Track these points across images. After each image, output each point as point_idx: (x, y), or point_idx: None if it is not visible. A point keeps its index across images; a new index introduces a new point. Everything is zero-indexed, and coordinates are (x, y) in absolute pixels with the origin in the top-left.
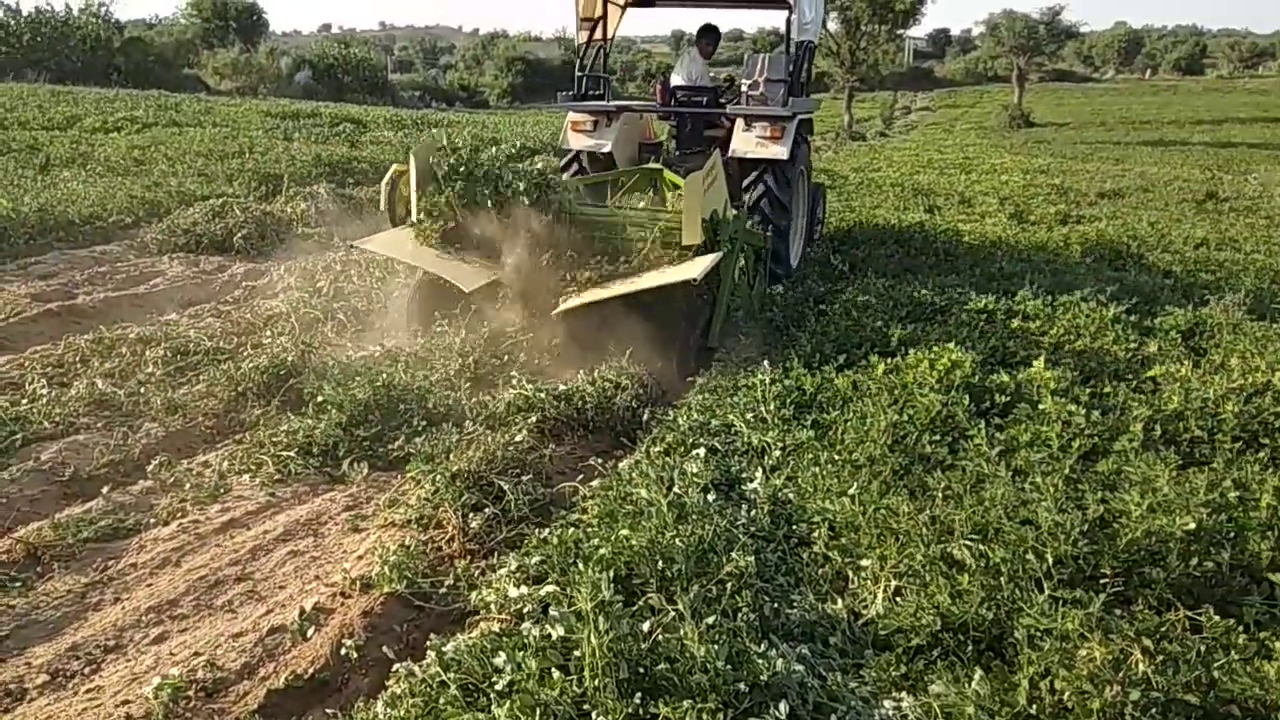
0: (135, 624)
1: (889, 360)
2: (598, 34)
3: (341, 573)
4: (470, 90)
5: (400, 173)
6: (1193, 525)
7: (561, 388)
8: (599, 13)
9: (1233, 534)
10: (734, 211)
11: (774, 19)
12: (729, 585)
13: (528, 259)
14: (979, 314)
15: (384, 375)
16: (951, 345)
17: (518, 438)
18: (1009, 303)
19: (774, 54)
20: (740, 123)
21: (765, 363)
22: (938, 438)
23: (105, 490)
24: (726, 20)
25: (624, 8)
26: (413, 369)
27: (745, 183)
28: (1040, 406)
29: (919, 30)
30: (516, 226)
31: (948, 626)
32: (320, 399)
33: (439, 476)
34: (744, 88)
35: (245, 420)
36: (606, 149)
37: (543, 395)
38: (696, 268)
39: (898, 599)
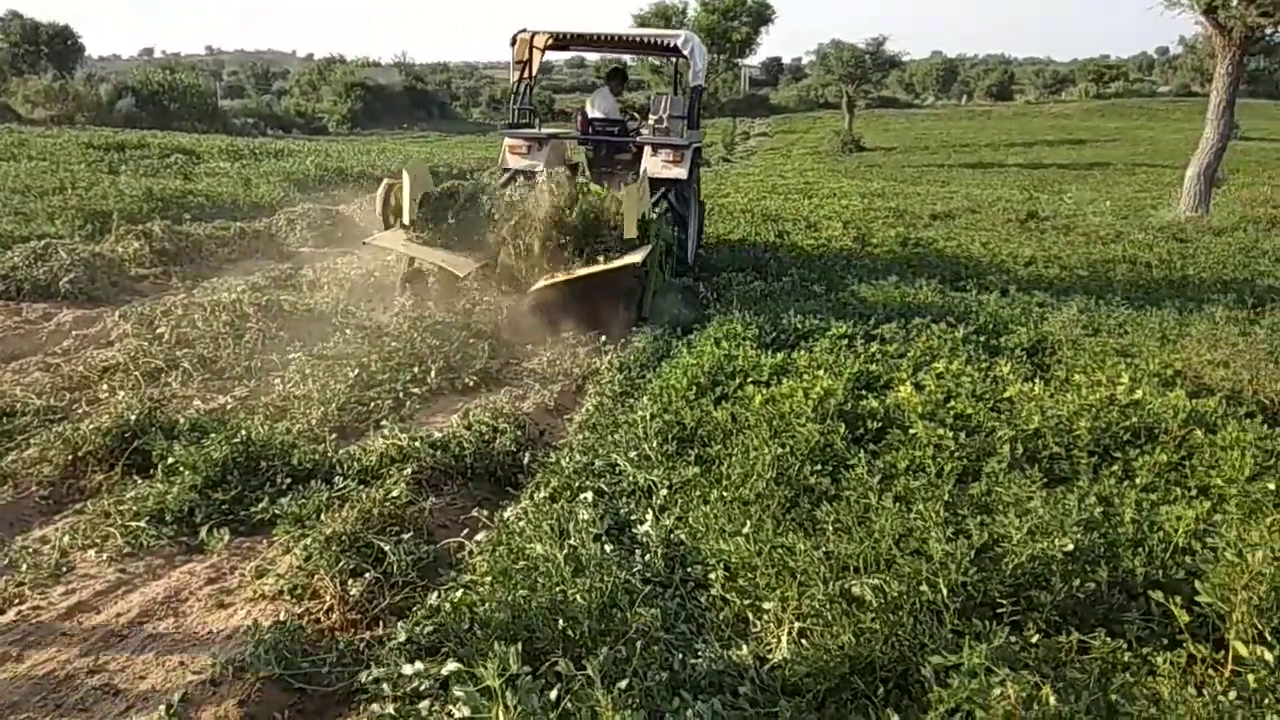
0: None
1: (765, 390)
2: (526, 73)
3: (210, 657)
4: (308, 116)
5: (391, 185)
6: (1070, 546)
7: (436, 435)
8: (527, 56)
9: (1104, 551)
10: (654, 214)
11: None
12: (637, 643)
13: (509, 251)
14: (840, 339)
15: (241, 430)
16: (821, 373)
17: (394, 492)
18: (866, 327)
19: (674, 96)
20: (648, 150)
21: (644, 398)
22: (819, 467)
23: None
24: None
25: (542, 50)
26: (272, 420)
27: (654, 196)
28: (911, 431)
29: (754, 59)
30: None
31: (855, 668)
32: (171, 460)
33: (311, 540)
34: (651, 122)
35: (86, 488)
36: (539, 168)
37: (417, 444)
38: (639, 255)
39: (803, 641)
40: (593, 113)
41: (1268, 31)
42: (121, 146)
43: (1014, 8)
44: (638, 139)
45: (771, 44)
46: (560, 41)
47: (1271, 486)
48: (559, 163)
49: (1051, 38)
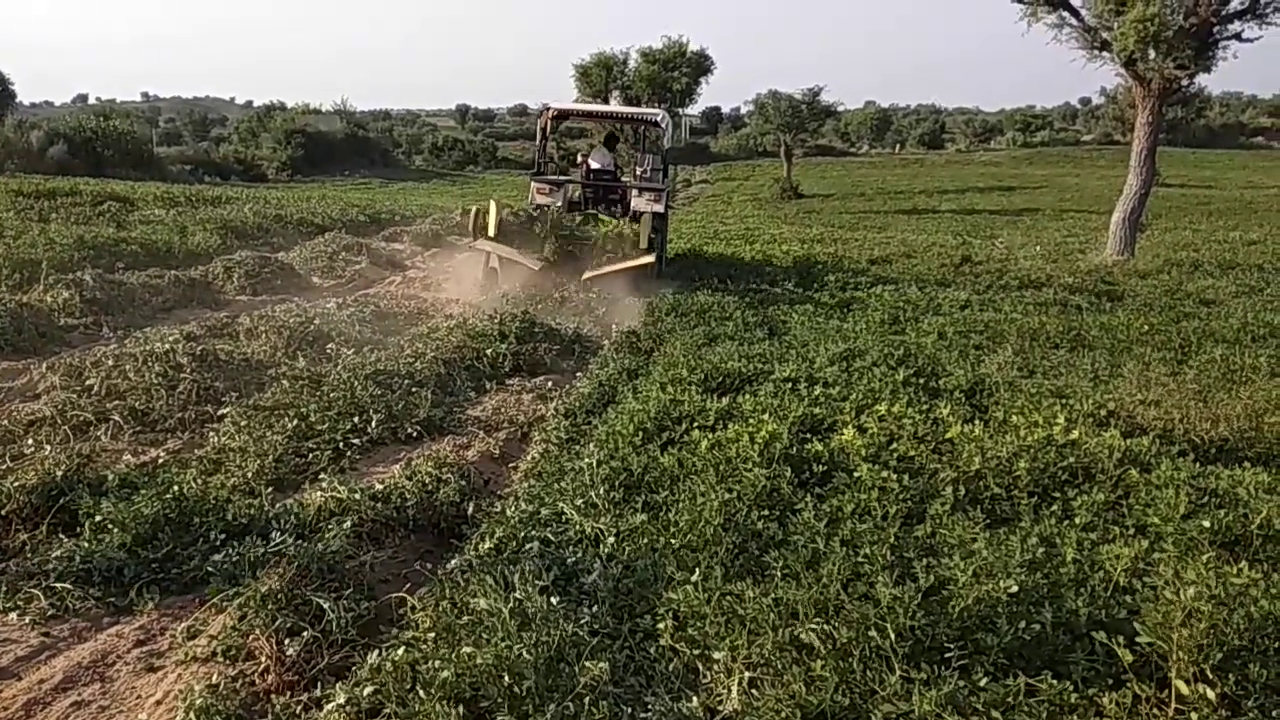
0: None
1: (711, 435)
2: (543, 136)
3: None
4: (247, 163)
5: (478, 209)
6: (1015, 588)
7: (378, 486)
8: (545, 123)
9: (1048, 591)
10: (654, 236)
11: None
12: (585, 698)
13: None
14: (784, 382)
15: (173, 485)
16: (766, 417)
17: (333, 546)
18: (809, 369)
19: (654, 155)
20: (635, 191)
21: (591, 445)
22: (767, 513)
23: None
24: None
25: (553, 120)
26: (206, 474)
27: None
28: (856, 474)
29: (694, 109)
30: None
31: (806, 717)
32: (99, 517)
33: (246, 598)
34: (638, 173)
35: (9, 548)
36: (558, 204)
37: (357, 496)
38: (652, 256)
39: (753, 691)
40: (594, 164)
41: (1184, 83)
42: (52, 194)
43: (942, 58)
44: (627, 184)
45: (711, 94)
46: (564, 114)
47: (1206, 524)
48: (568, 199)
49: (979, 88)
